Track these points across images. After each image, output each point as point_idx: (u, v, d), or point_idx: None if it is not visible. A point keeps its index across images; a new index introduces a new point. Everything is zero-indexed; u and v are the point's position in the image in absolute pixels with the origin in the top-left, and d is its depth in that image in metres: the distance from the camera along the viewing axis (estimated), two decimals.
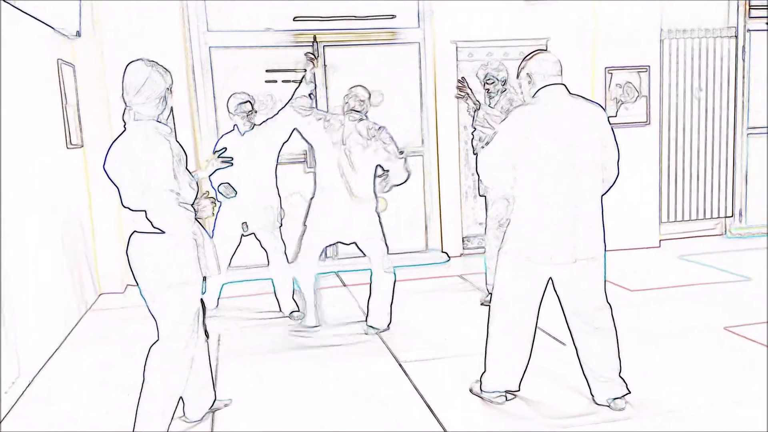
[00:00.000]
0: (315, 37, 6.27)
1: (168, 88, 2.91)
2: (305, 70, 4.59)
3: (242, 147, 4.65)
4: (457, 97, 4.72)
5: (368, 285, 4.61)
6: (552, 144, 3.03)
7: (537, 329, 3.30)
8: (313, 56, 4.60)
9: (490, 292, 5.06)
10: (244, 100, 4.77)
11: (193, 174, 3.05)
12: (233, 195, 4.71)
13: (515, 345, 3.29)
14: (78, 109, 5.60)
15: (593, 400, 3.33)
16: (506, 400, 3.40)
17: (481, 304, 5.09)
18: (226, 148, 3.33)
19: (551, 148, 3.03)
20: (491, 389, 3.40)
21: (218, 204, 2.99)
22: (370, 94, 4.58)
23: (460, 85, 4.65)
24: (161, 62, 2.95)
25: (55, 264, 4.71)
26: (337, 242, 4.64)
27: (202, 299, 3.04)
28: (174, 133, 2.99)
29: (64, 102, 5.21)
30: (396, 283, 4.59)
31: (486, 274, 5.12)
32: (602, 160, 3.11)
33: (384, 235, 4.54)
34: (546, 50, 3.19)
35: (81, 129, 5.67)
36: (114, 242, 5.90)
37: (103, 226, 5.86)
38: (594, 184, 3.09)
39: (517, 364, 3.31)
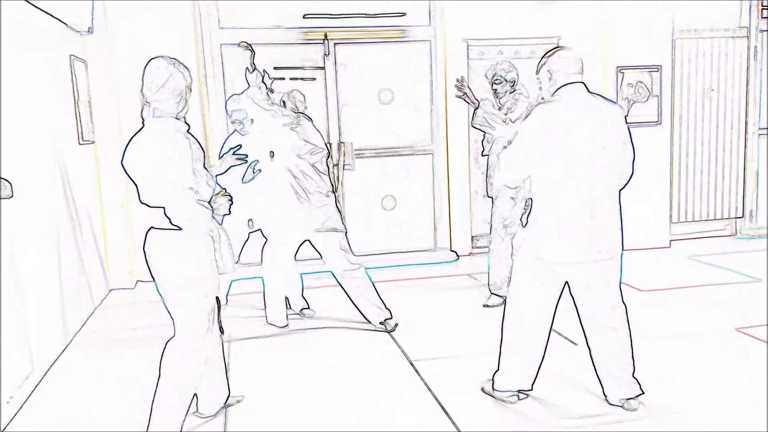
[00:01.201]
0: (326, 35, 6.27)
1: (188, 86, 2.92)
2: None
3: (245, 148, 4.63)
4: (457, 97, 4.71)
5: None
6: (572, 143, 3.02)
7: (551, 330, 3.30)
8: (247, 45, 4.63)
9: (492, 292, 5.05)
10: (239, 108, 4.77)
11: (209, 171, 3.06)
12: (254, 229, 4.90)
13: (529, 345, 3.28)
14: (90, 106, 5.62)
15: (606, 400, 3.33)
16: (518, 399, 3.40)
17: (484, 306, 5.07)
18: (240, 145, 3.34)
19: (571, 147, 3.02)
20: (504, 388, 3.40)
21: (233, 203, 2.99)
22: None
23: (458, 84, 4.64)
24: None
25: (67, 260, 4.72)
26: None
27: (217, 296, 3.05)
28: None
29: (76, 98, 5.23)
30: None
31: (489, 273, 5.10)
32: (619, 160, 3.10)
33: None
34: (567, 48, 3.16)
35: (93, 125, 5.68)
36: (124, 239, 5.93)
37: (114, 222, 5.88)
38: (612, 184, 3.09)
39: (530, 364, 3.31)
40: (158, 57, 2.90)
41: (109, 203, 5.85)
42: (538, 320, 3.24)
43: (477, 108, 4.66)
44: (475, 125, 4.72)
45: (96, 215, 5.66)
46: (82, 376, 3.99)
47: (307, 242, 4.70)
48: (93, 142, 5.69)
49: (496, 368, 3.41)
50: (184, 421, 3.01)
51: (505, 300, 4.91)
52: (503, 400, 3.40)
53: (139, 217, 5.96)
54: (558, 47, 3.21)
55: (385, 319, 4.60)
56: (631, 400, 3.25)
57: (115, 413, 3.44)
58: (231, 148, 3.24)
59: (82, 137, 5.33)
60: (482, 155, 5.11)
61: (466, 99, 4.64)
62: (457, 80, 4.64)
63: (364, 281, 4.59)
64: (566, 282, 3.18)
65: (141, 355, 4.17)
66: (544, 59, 3.15)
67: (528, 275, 3.21)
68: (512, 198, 4.86)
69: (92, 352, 4.42)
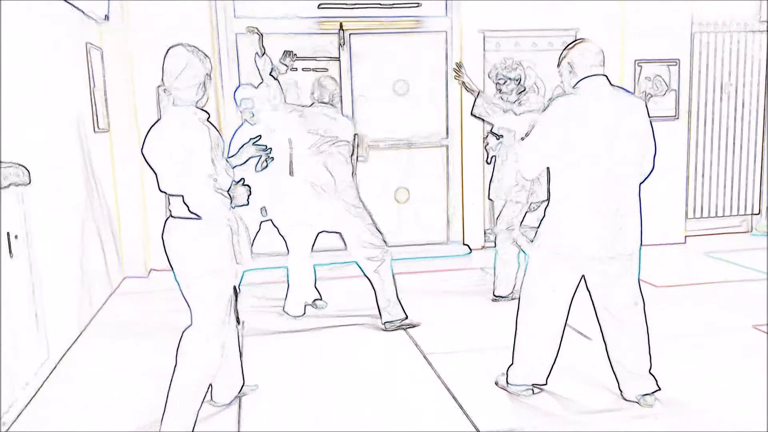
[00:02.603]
0: (341, 25, 6.24)
1: (207, 74, 2.90)
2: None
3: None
4: (456, 81, 4.65)
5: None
6: (592, 135, 2.99)
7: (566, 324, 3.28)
8: (254, 28, 4.58)
9: (496, 295, 5.02)
10: (248, 96, 4.75)
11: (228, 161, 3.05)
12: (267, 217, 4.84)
13: (544, 339, 3.26)
14: (105, 94, 5.62)
15: (622, 395, 3.31)
16: (533, 393, 3.39)
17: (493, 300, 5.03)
18: (260, 136, 3.33)
19: (591, 139, 2.99)
20: (518, 382, 3.38)
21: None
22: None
23: (456, 69, 4.58)
24: None
25: (83, 247, 4.74)
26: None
27: (235, 286, 3.04)
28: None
29: (91, 86, 5.23)
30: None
31: (495, 276, 5.05)
32: (641, 154, 3.07)
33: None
34: (588, 40, 3.13)
35: (108, 113, 5.69)
36: (138, 227, 5.95)
37: (128, 210, 5.90)
38: (633, 178, 3.06)
39: (545, 358, 3.29)
40: (178, 45, 2.89)
41: (124, 191, 5.86)
42: (553, 314, 3.22)
43: (477, 96, 4.60)
44: (474, 114, 4.63)
45: (111, 203, 5.68)
46: (97, 363, 4.01)
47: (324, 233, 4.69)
48: (108, 131, 5.69)
49: (511, 362, 3.39)
50: (199, 410, 3.01)
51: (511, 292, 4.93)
52: (518, 394, 3.39)
53: (154, 205, 6.01)
54: (579, 39, 3.17)
55: (388, 321, 4.46)
56: (647, 396, 3.23)
57: (130, 401, 3.45)
58: (251, 139, 3.22)
59: (98, 125, 5.34)
60: (487, 163, 5.02)
61: (465, 87, 4.59)
62: (456, 65, 4.58)
63: (380, 276, 4.48)
64: (582, 276, 3.16)
65: (156, 344, 4.17)
66: (564, 51, 3.12)
67: (544, 269, 3.19)
68: (518, 202, 4.81)
69: (107, 339, 4.44)
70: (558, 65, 3.16)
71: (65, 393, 3.61)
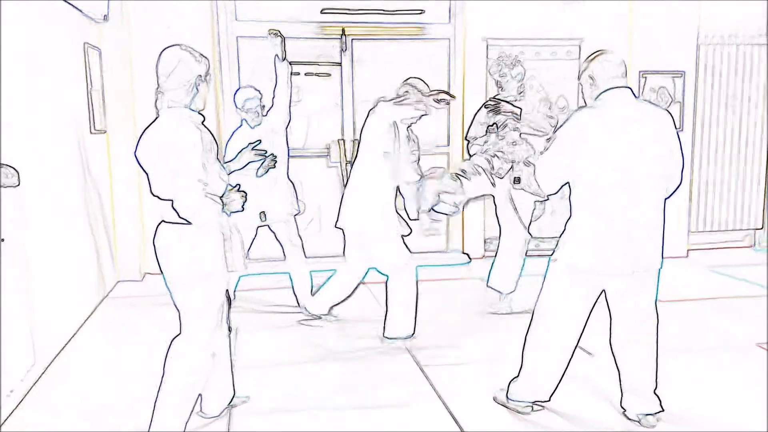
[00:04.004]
0: (344, 30, 6.18)
1: (201, 75, 2.83)
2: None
3: (254, 140, 4.54)
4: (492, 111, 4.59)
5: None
6: (614, 149, 2.90)
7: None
8: (277, 32, 4.49)
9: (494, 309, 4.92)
10: (252, 96, 4.69)
11: (225, 166, 2.98)
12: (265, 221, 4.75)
13: (554, 357, 3.18)
14: (103, 94, 5.55)
15: (624, 414, 3.22)
16: (532, 410, 3.30)
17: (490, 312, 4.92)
18: (260, 140, 3.25)
19: (613, 153, 2.90)
20: (519, 398, 3.29)
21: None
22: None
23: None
24: None
25: (77, 249, 4.66)
26: None
27: (228, 293, 2.96)
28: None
29: (89, 86, 5.16)
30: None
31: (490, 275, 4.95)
32: (667, 168, 2.98)
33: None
34: (608, 51, 3.05)
35: (105, 114, 5.61)
36: (134, 230, 5.87)
37: (124, 213, 5.82)
38: (656, 193, 2.96)
39: (552, 376, 3.20)
40: (174, 45, 2.82)
41: (120, 193, 5.79)
42: (566, 332, 3.13)
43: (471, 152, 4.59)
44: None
45: (106, 205, 5.60)
46: (87, 369, 3.93)
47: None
48: (105, 132, 5.62)
49: (515, 376, 3.30)
50: (188, 421, 2.92)
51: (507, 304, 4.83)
52: (518, 411, 3.30)
53: (150, 208, 5.92)
54: (599, 51, 3.06)
55: (388, 336, 4.34)
56: (650, 417, 3.14)
57: (119, 408, 3.36)
58: (250, 143, 3.15)
59: (95, 126, 5.27)
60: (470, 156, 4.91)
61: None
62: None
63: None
64: (603, 291, 3.07)
65: (148, 349, 4.08)
66: (585, 64, 3.04)
67: (562, 286, 3.09)
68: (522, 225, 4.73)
69: (99, 344, 4.35)
70: (579, 78, 3.08)
71: (53, 398, 3.53)
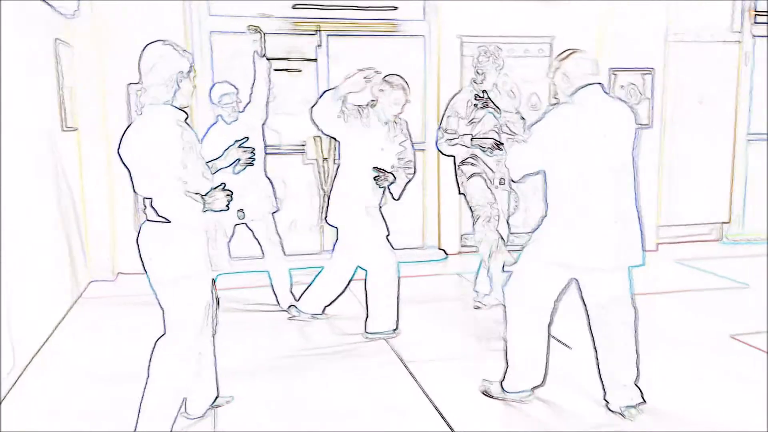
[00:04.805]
0: (319, 26, 6.15)
1: (182, 71, 2.78)
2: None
3: (231, 137, 4.49)
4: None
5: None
6: (590, 145, 2.97)
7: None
8: (257, 27, 4.48)
9: (478, 302, 4.96)
10: (229, 91, 4.64)
11: (210, 164, 2.94)
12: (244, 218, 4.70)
13: (535, 342, 3.25)
14: (74, 91, 5.44)
15: (607, 406, 3.28)
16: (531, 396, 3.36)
17: (475, 307, 4.96)
18: (247, 138, 3.21)
19: (589, 149, 2.97)
20: (516, 389, 3.35)
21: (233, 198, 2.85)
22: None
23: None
24: None
25: (50, 249, 4.56)
26: None
27: (215, 294, 2.94)
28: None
29: (60, 83, 5.05)
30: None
31: (477, 277, 4.98)
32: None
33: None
34: (581, 50, 3.12)
35: (76, 111, 5.50)
36: (105, 228, 5.77)
37: (95, 212, 5.71)
38: (630, 188, 3.04)
39: (538, 360, 3.28)
40: (156, 41, 2.78)
41: (91, 192, 5.68)
42: (541, 317, 3.21)
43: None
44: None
45: (78, 204, 5.49)
46: (66, 372, 3.85)
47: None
48: (76, 129, 5.51)
49: (505, 371, 3.35)
50: (174, 423, 2.89)
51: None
52: (519, 401, 3.35)
53: (122, 207, 5.84)
54: (571, 49, 3.14)
55: (370, 332, 4.36)
56: (632, 408, 3.21)
57: (99, 411, 3.31)
58: (237, 140, 3.12)
59: (66, 124, 5.16)
60: (459, 193, 4.95)
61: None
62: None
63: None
64: (574, 280, 3.13)
65: (125, 351, 4.04)
66: (557, 62, 3.11)
67: (529, 271, 3.16)
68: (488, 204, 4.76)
69: (75, 346, 4.27)
70: (551, 77, 3.13)
71: (31, 402, 3.45)
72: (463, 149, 4.67)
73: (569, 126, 2.99)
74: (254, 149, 3.12)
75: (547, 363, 3.29)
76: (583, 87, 3.02)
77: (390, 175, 4.28)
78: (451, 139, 4.65)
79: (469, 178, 4.69)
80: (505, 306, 3.32)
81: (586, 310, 3.20)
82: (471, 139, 4.62)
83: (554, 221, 3.07)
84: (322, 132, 4.40)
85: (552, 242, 3.07)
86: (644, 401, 3.22)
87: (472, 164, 4.71)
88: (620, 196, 3.02)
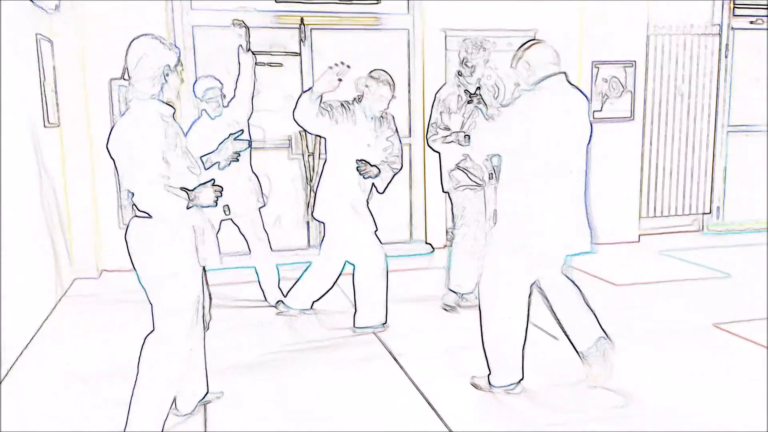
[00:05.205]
0: (302, 20, 6.12)
1: (169, 65, 2.76)
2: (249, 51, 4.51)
3: (216, 132, 4.48)
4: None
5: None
6: (553, 133, 3.06)
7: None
8: (241, 22, 4.47)
9: (451, 289, 4.92)
10: (213, 86, 4.61)
11: (204, 159, 2.93)
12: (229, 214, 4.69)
13: (512, 336, 3.31)
14: (56, 87, 5.37)
15: (581, 357, 3.36)
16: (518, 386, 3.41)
17: (443, 308, 4.86)
18: (242, 131, 3.20)
19: (552, 136, 3.06)
20: (502, 384, 3.38)
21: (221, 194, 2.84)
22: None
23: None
24: None
25: (33, 247, 4.51)
26: None
27: (208, 289, 2.92)
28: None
29: (42, 79, 4.98)
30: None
31: (449, 273, 4.88)
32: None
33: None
34: (542, 41, 3.23)
35: (58, 107, 5.44)
36: (89, 226, 5.72)
37: (78, 209, 5.66)
38: (579, 176, 3.16)
39: (515, 355, 3.34)
40: (143, 35, 2.76)
41: (74, 189, 5.62)
42: (516, 310, 3.27)
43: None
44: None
45: (61, 201, 5.43)
46: (50, 371, 3.82)
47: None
48: (58, 125, 5.45)
49: (488, 369, 3.39)
50: (165, 420, 2.88)
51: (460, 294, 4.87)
52: (508, 392, 3.39)
53: (105, 204, 5.79)
54: (533, 40, 3.27)
55: (359, 326, 4.38)
56: (602, 339, 3.31)
57: (85, 411, 3.28)
58: (231, 134, 3.10)
59: (48, 120, 5.10)
60: (442, 191, 4.94)
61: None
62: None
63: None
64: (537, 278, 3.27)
65: (112, 349, 4.02)
66: (520, 52, 3.19)
67: (502, 266, 3.23)
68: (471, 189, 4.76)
69: (60, 344, 4.24)
70: (513, 66, 3.21)
71: (19, 402, 3.42)
72: (457, 147, 4.65)
73: (531, 113, 3.09)
74: (250, 142, 3.10)
75: (523, 356, 3.36)
76: (549, 76, 3.10)
77: (374, 168, 4.28)
78: (445, 137, 4.64)
79: (456, 188, 4.69)
80: (480, 301, 3.38)
81: (547, 299, 3.35)
82: (464, 137, 4.62)
83: (515, 208, 3.16)
84: (308, 132, 4.40)
85: (514, 230, 3.17)
86: (609, 339, 3.34)
87: (465, 173, 4.67)
88: (576, 183, 3.14)
